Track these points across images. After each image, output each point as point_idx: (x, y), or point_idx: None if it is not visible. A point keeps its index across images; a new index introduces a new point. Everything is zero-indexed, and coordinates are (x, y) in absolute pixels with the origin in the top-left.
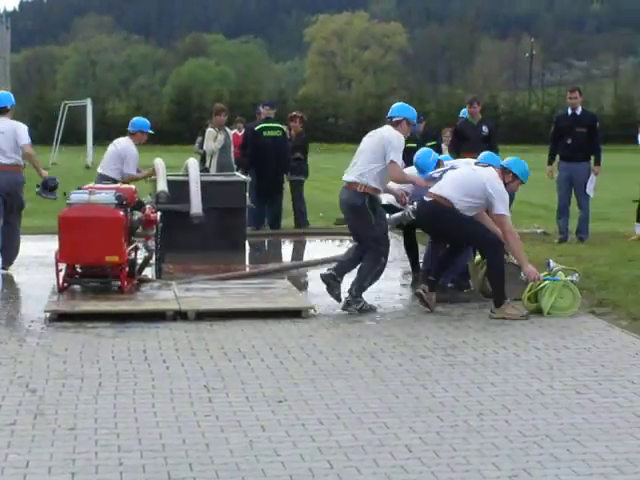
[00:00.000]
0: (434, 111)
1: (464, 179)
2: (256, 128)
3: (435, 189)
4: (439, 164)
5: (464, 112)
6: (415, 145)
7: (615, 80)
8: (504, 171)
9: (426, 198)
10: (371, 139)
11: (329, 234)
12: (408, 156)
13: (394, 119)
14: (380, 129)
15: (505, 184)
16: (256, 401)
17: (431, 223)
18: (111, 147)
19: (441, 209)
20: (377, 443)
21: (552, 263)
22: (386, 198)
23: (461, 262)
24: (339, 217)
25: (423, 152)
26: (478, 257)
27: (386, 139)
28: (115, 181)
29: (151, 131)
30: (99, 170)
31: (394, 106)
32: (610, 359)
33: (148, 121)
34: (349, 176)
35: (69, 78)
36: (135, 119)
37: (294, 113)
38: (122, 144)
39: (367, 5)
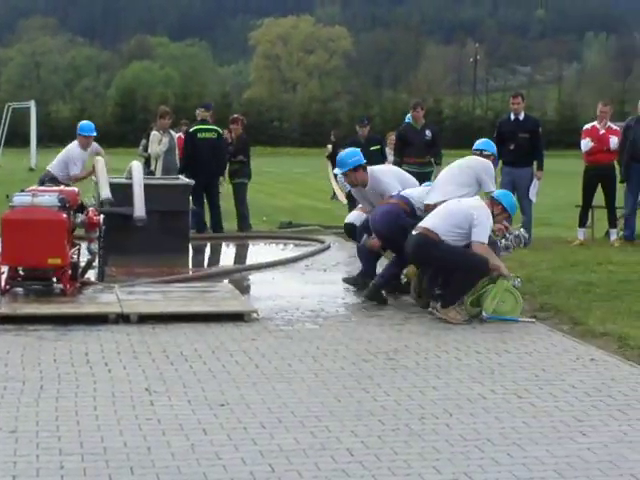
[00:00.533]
0: (378, 115)
1: (450, 210)
2: (191, 130)
3: (422, 222)
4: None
5: (409, 117)
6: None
7: (559, 86)
8: (493, 202)
9: (413, 232)
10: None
11: (272, 238)
12: None
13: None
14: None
15: (493, 215)
16: (198, 404)
17: (417, 255)
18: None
19: (427, 242)
20: (319, 447)
21: None
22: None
23: None
24: (283, 221)
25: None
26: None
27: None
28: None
29: (86, 133)
30: (48, 167)
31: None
32: (551, 363)
33: (91, 124)
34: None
35: (13, 80)
36: (81, 124)
37: (235, 116)
38: (68, 146)
39: (312, 9)
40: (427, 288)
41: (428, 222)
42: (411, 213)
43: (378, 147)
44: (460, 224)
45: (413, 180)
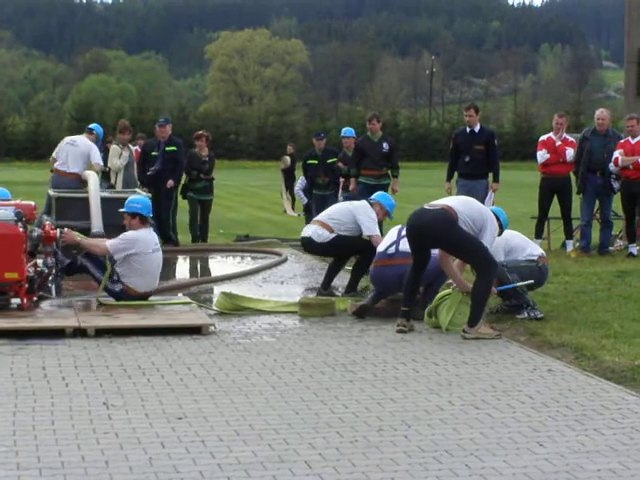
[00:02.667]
0: (335, 128)
1: (469, 202)
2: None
3: (440, 201)
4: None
5: (347, 131)
6: (317, 162)
7: (514, 97)
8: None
9: (427, 206)
10: None
11: (229, 250)
12: (311, 171)
13: None
14: None
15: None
16: (156, 418)
17: (433, 230)
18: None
19: (448, 218)
20: (277, 459)
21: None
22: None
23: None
24: (240, 234)
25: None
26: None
27: None
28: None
29: None
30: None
31: None
32: (508, 374)
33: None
34: None
35: None
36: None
37: (200, 132)
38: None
39: (268, 22)
40: (410, 291)
41: (448, 202)
42: None
43: (335, 159)
44: (475, 219)
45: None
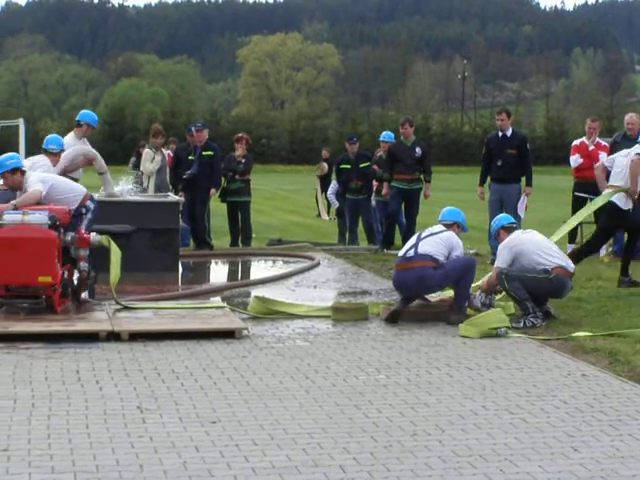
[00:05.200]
0: (367, 132)
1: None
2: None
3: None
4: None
5: (386, 135)
6: (349, 166)
7: (546, 102)
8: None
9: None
10: None
11: (262, 255)
12: (344, 176)
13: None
14: None
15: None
16: (190, 422)
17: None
18: None
19: (426, 278)
20: (311, 464)
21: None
22: None
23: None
24: (272, 238)
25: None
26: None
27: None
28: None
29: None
30: None
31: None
32: (542, 379)
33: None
34: None
35: (1, 98)
36: (52, 137)
37: (240, 135)
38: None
39: (300, 26)
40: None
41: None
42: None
43: (367, 164)
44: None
45: None
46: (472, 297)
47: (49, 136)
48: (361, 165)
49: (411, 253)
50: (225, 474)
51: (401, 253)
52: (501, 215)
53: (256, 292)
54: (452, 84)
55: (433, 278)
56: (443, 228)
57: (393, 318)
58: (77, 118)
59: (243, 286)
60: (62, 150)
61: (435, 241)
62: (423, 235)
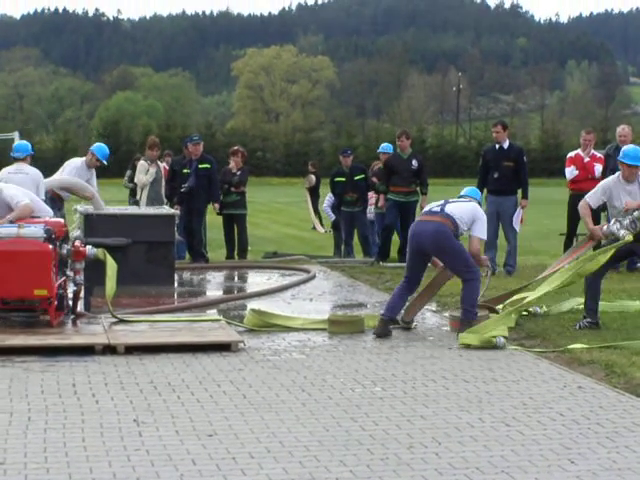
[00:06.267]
0: (362, 145)
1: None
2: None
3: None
4: None
5: (385, 147)
6: (344, 179)
7: (541, 114)
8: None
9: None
10: None
11: (258, 267)
12: (339, 189)
13: None
14: None
15: None
16: (186, 435)
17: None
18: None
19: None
20: (307, 477)
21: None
22: None
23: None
24: (268, 251)
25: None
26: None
27: None
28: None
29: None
30: None
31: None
32: (538, 391)
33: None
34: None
35: None
36: (17, 144)
37: (236, 148)
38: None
39: (295, 39)
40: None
41: (446, 208)
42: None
43: (362, 176)
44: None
45: None
46: (604, 227)
47: (15, 143)
48: (356, 177)
49: (437, 209)
50: None
51: (426, 209)
52: None
53: (252, 305)
54: (447, 96)
55: (449, 240)
56: (469, 198)
57: (384, 332)
58: (91, 148)
59: (239, 299)
60: (29, 155)
61: (461, 207)
62: (451, 200)
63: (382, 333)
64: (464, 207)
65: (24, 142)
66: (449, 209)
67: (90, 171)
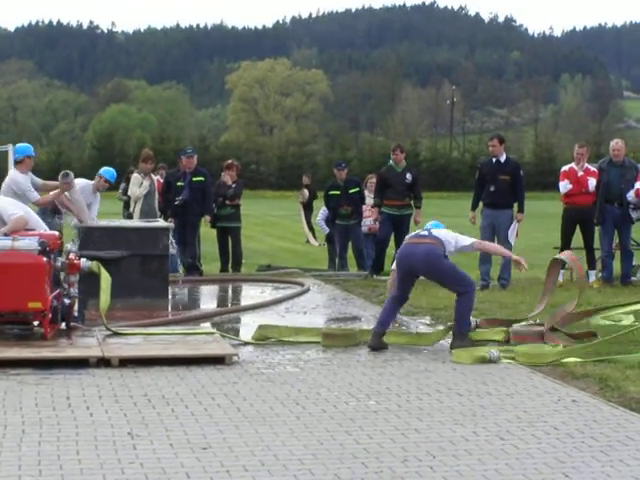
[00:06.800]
0: (356, 158)
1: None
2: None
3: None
4: None
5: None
6: (339, 192)
7: (535, 127)
8: None
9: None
10: None
11: (251, 280)
12: (333, 202)
13: None
14: None
15: None
16: (180, 448)
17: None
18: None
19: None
20: None
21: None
22: None
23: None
24: (261, 264)
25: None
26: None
27: None
28: None
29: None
30: None
31: None
32: (533, 405)
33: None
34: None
35: None
36: (18, 146)
37: (230, 162)
38: (7, 178)
39: (289, 52)
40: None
41: (432, 232)
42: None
43: (357, 189)
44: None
45: None
46: None
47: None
48: (350, 191)
49: (425, 233)
50: None
51: (412, 234)
52: None
53: (246, 318)
54: (441, 110)
55: (440, 261)
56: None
57: (378, 345)
58: (99, 172)
59: (233, 312)
60: (28, 156)
61: (442, 231)
62: (432, 225)
63: (376, 346)
64: (444, 231)
65: (22, 145)
66: (435, 232)
67: (95, 196)
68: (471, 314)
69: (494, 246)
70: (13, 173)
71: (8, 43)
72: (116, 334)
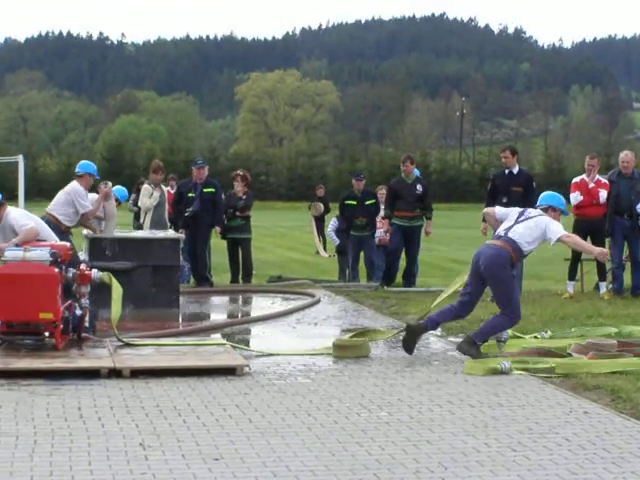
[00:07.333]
0: (366, 169)
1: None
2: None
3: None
4: None
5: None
6: (355, 203)
7: (545, 139)
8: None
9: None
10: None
11: (262, 292)
12: (349, 212)
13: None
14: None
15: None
16: (192, 459)
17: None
18: (61, 193)
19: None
20: None
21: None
22: None
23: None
24: (272, 275)
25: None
26: None
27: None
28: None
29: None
30: (48, 209)
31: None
32: (544, 416)
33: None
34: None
35: (0, 134)
36: (81, 162)
37: (236, 172)
38: (69, 187)
39: (299, 64)
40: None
41: (510, 233)
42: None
43: (373, 201)
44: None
45: None
46: None
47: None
48: (367, 202)
49: (501, 233)
50: None
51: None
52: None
53: (257, 329)
54: (450, 121)
55: (501, 270)
56: (539, 212)
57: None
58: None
59: (244, 323)
60: (90, 173)
61: (527, 225)
62: (521, 218)
63: (411, 336)
64: (530, 225)
65: (86, 162)
66: (512, 233)
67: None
68: (493, 336)
69: (580, 242)
70: (75, 184)
71: (18, 54)
72: (128, 345)
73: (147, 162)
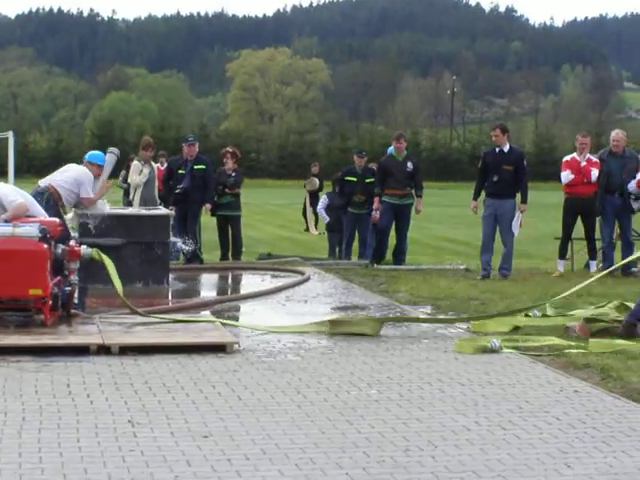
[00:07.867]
0: (356, 148)
1: None
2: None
3: None
4: None
5: (391, 149)
6: (356, 179)
7: (536, 118)
8: None
9: None
10: None
11: (252, 269)
12: (348, 189)
13: None
14: None
15: None
16: (181, 436)
17: None
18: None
19: None
20: (303, 479)
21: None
22: None
23: None
24: (262, 252)
25: None
26: None
27: None
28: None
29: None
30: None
31: None
32: (534, 395)
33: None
34: None
35: None
36: (95, 153)
37: (224, 150)
38: (82, 171)
39: (290, 41)
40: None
41: None
42: None
43: (373, 180)
44: None
45: None
46: None
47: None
48: (367, 180)
49: None
50: None
51: None
52: None
53: (247, 306)
54: (441, 100)
55: None
56: None
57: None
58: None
59: (234, 300)
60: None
61: None
62: None
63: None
64: None
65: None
66: None
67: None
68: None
69: None
70: (87, 171)
71: (8, 30)
72: (144, 316)
73: (137, 139)
